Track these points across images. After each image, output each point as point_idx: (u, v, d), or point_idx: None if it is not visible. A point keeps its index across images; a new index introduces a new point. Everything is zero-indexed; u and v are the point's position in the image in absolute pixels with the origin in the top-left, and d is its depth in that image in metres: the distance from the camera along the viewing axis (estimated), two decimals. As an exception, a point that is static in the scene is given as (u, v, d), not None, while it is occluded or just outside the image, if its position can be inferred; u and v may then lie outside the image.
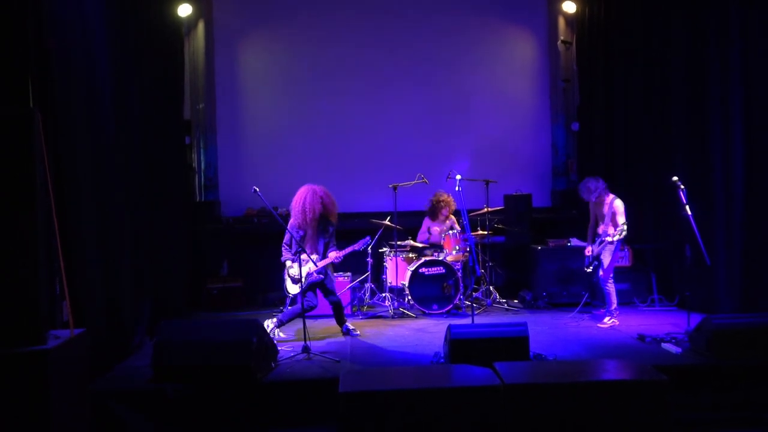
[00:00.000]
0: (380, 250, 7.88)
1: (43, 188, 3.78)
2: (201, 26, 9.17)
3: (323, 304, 6.89)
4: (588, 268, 6.67)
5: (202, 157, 9.26)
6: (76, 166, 4.99)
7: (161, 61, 7.22)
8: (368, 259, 7.68)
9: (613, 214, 6.51)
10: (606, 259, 6.53)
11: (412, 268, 7.32)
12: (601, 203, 6.66)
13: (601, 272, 6.58)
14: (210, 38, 9.21)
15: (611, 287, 6.61)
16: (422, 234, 8.04)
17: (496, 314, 7.34)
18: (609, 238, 6.39)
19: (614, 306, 6.61)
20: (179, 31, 8.17)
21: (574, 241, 7.74)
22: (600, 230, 6.64)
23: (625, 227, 6.27)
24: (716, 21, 6.75)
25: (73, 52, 5.04)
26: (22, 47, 4.40)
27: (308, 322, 5.75)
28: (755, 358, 4.98)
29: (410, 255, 7.71)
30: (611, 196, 6.63)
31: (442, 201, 7.84)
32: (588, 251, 6.74)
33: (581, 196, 6.76)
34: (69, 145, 4.90)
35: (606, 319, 6.59)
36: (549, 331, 6.43)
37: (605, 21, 8.64)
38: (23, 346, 3.59)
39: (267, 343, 5.08)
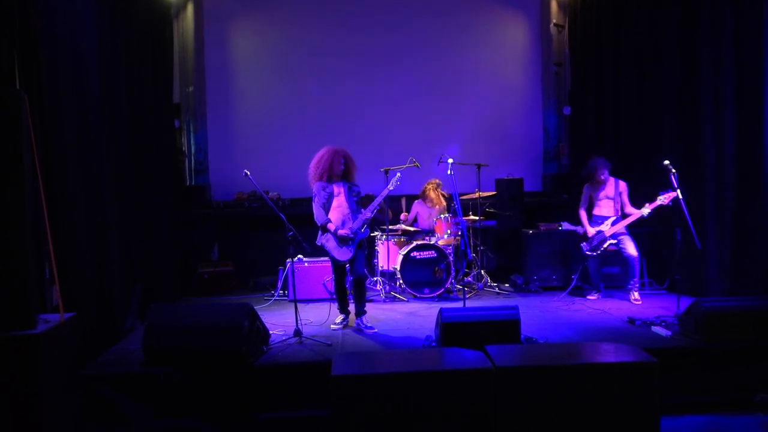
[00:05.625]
0: (371, 234, 7.87)
1: (31, 171, 3.73)
2: (190, 8, 9.06)
3: (315, 291, 6.86)
4: (595, 251, 6.70)
5: (191, 141, 9.18)
6: (65, 150, 4.93)
7: (149, 43, 7.12)
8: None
9: (621, 194, 6.77)
10: (629, 241, 6.72)
11: (404, 252, 7.32)
12: (602, 183, 6.83)
13: (635, 252, 6.69)
14: (199, 20, 9.10)
15: None
16: (409, 217, 8.07)
17: (487, 298, 7.36)
18: (646, 210, 6.47)
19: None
20: (168, 12, 8.05)
21: (566, 225, 7.75)
22: (603, 212, 6.73)
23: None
24: (709, 4, 6.73)
25: (60, 33, 4.95)
26: (7, 27, 4.32)
27: (300, 306, 5.73)
28: (744, 341, 5.03)
29: (402, 239, 7.71)
30: (611, 177, 6.88)
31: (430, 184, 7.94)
32: (591, 233, 6.83)
33: (597, 171, 6.80)
34: (57, 128, 4.83)
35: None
36: (540, 314, 6.45)
37: (597, 4, 8.59)
38: (12, 330, 3.57)
39: (258, 327, 5.08)
